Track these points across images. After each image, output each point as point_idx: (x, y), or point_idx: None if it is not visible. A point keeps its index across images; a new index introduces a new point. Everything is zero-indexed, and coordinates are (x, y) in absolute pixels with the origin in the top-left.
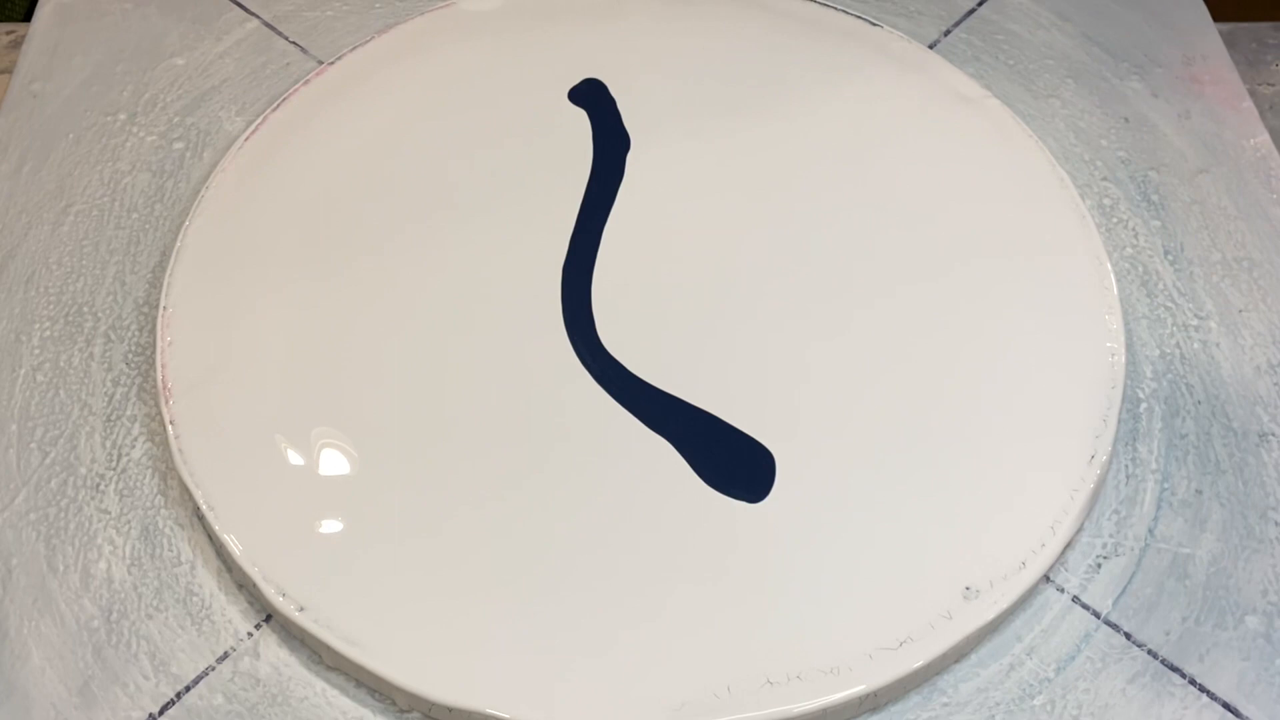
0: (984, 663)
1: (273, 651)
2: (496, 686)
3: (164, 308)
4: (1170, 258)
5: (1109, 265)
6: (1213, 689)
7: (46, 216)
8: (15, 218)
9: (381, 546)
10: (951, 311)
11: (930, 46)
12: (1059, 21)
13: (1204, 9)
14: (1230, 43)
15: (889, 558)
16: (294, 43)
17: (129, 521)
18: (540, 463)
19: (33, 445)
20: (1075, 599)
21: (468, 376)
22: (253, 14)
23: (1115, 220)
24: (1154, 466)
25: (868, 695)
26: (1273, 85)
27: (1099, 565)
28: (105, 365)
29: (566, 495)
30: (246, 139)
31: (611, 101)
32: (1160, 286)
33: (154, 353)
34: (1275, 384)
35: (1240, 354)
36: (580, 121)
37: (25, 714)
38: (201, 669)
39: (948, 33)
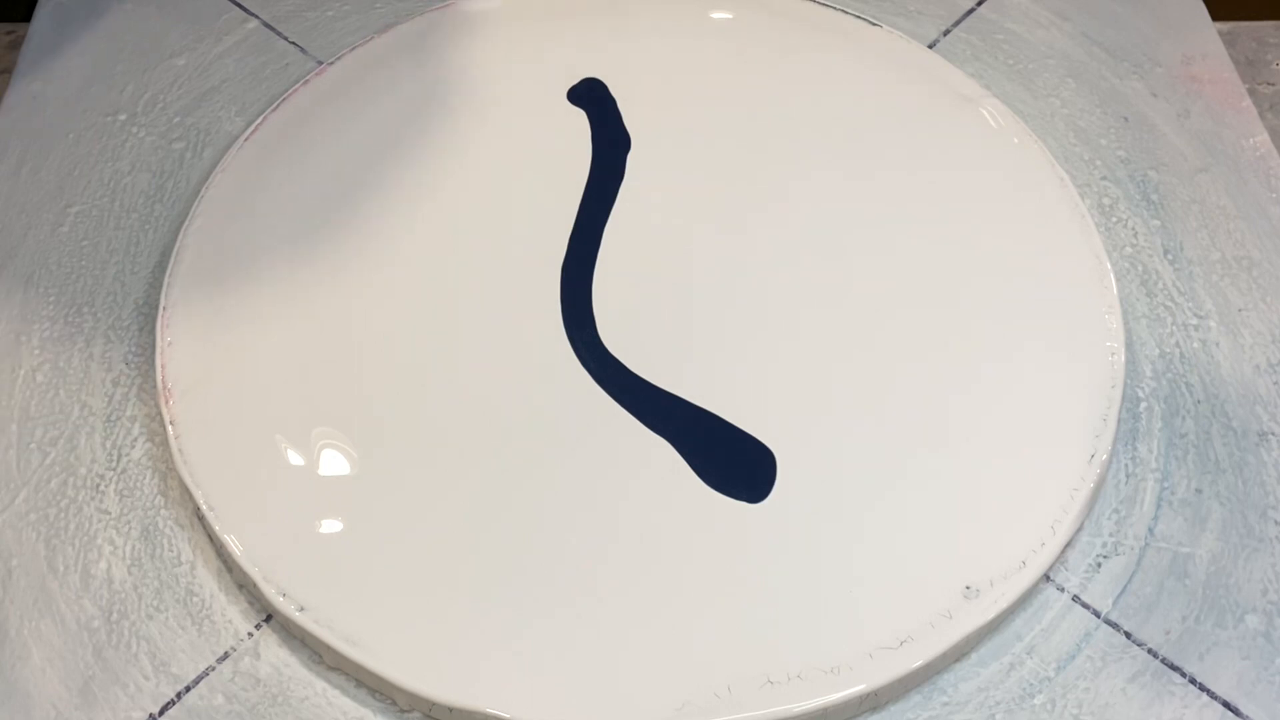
0: (984, 662)
1: (273, 651)
2: (496, 686)
3: (164, 308)
4: (1170, 257)
5: (1109, 265)
6: (1213, 688)
7: (46, 217)
8: (15, 218)
9: (382, 546)
10: (951, 311)
11: (930, 46)
12: (1059, 21)
13: (1204, 9)
14: (1230, 42)
15: (889, 558)
16: (294, 43)
17: (129, 522)
18: (540, 463)
19: (33, 445)
20: (1075, 598)
21: (467, 376)
22: (253, 14)
23: (1115, 220)
24: (1154, 466)
25: (868, 695)
26: (1273, 85)
27: (1099, 564)
28: (105, 365)
29: (566, 496)
30: (246, 139)
31: (612, 101)
32: (1160, 286)
33: (154, 353)
34: (1275, 383)
35: (1240, 353)
36: (580, 121)
37: (25, 714)
38: (202, 669)
39: (947, 32)
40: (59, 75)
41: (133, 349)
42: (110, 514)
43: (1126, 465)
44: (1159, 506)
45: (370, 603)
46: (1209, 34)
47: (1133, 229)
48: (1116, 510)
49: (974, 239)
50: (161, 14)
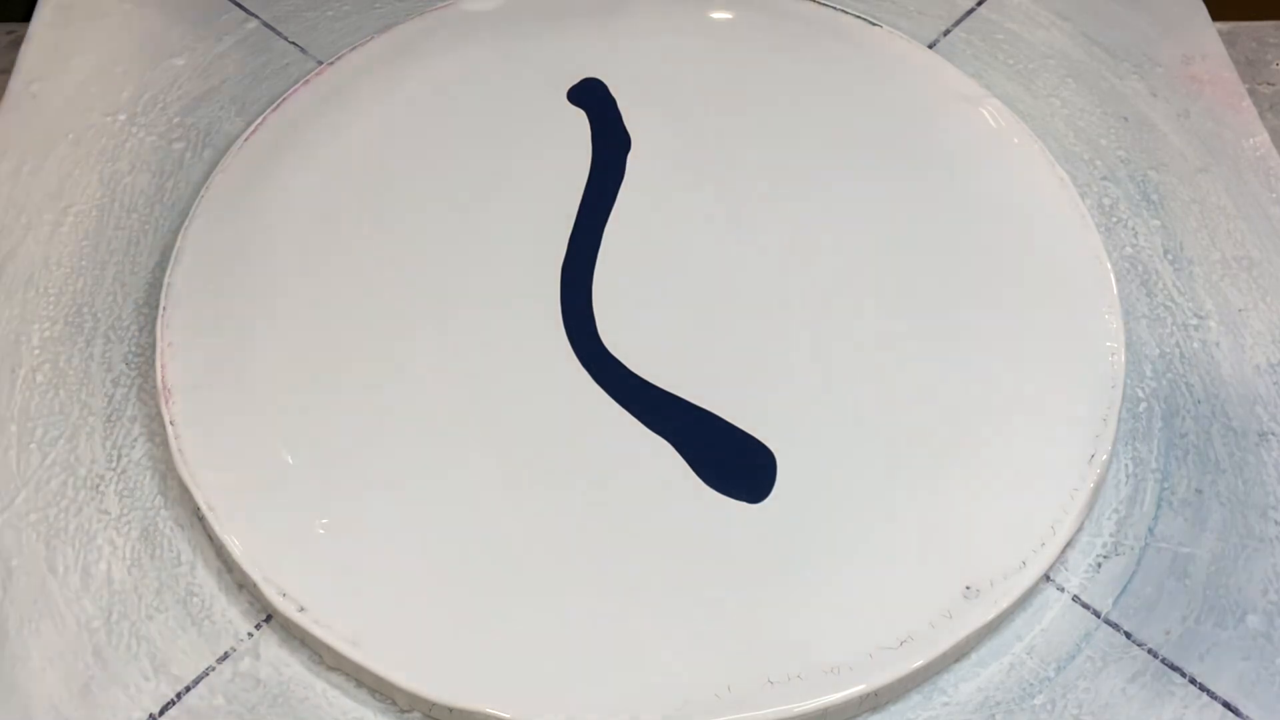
0: (984, 662)
1: (273, 652)
2: (496, 686)
3: (164, 308)
4: (1170, 257)
5: (1109, 265)
6: (1213, 688)
7: (46, 217)
8: (15, 218)
9: (382, 546)
10: (952, 311)
11: (930, 46)
12: (1059, 21)
13: (1204, 9)
14: (1230, 42)
15: (889, 558)
16: (294, 43)
17: (129, 522)
18: (540, 463)
19: (33, 446)
20: (1075, 598)
21: (467, 376)
22: (253, 14)
23: (1115, 220)
24: (1154, 466)
25: (868, 695)
26: (1273, 85)
27: (1099, 565)
28: (105, 366)
29: (566, 496)
30: (246, 139)
31: (612, 101)
32: (1160, 286)
33: (154, 353)
34: (1275, 383)
35: (1240, 353)
36: (580, 121)
37: (25, 715)
38: (202, 669)
39: (948, 33)
40: (59, 75)
41: (133, 349)
42: (110, 514)
43: (1126, 465)
44: (1159, 507)
45: (370, 603)
46: (1209, 34)
47: (1133, 229)
48: (1116, 510)
49: (974, 239)
50: (161, 14)
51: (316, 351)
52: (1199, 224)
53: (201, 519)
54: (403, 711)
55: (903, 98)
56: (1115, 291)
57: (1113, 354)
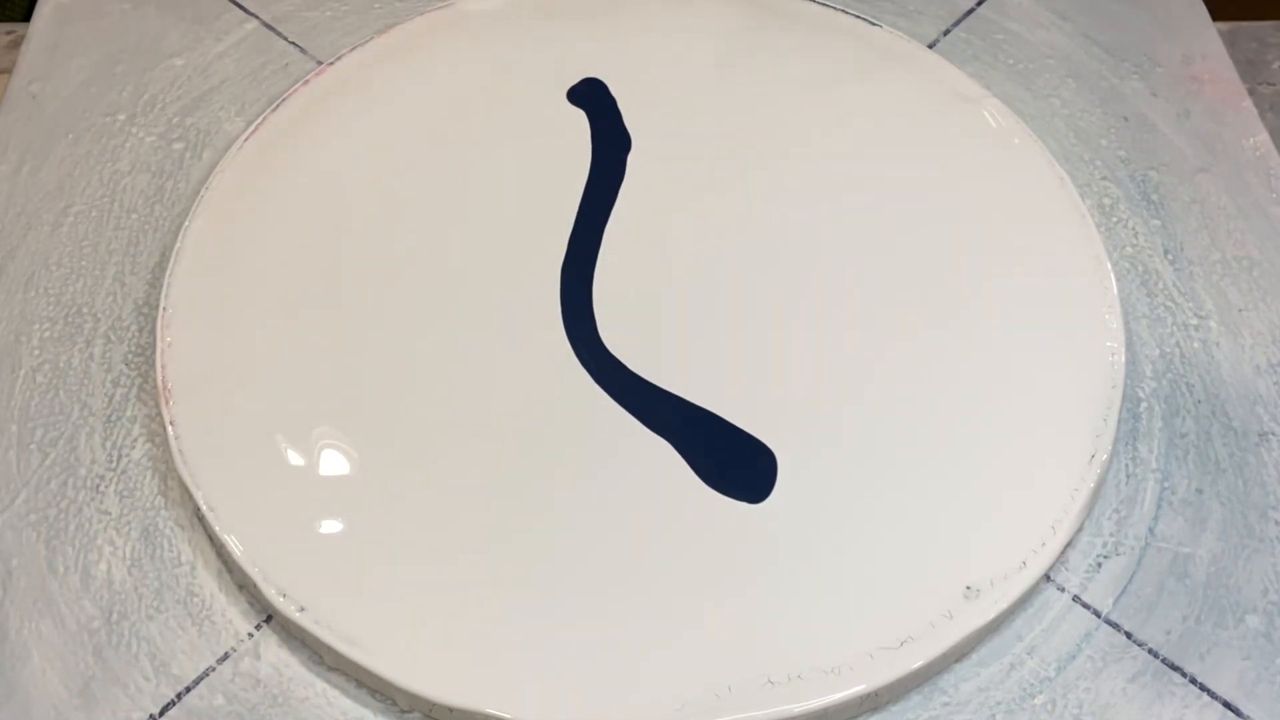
0: (984, 662)
1: (273, 652)
2: (496, 686)
3: (164, 309)
4: (1170, 257)
5: (1109, 265)
6: (1213, 688)
7: (46, 217)
8: (15, 218)
9: (381, 546)
10: (952, 311)
11: (930, 46)
12: (1059, 21)
13: (1204, 9)
14: (1230, 43)
15: (889, 558)
16: (293, 43)
17: (129, 522)
18: (540, 463)
19: (33, 446)
20: (1076, 598)
21: (467, 376)
22: (252, 14)
23: (1115, 220)
24: (1154, 466)
25: (868, 695)
26: (1273, 85)
27: (1099, 564)
28: (105, 366)
29: (566, 495)
30: (246, 139)
31: (612, 101)
32: (1160, 286)
33: (154, 353)
34: (1275, 383)
35: (1240, 353)
36: (580, 121)
37: (25, 715)
38: (202, 670)
39: (947, 32)
40: (59, 75)
41: (133, 349)
42: (110, 514)
43: (1127, 465)
44: (1159, 506)
45: (370, 603)
46: (1209, 34)
47: (1133, 229)
48: (1117, 510)
49: (974, 239)
50: (161, 14)
51: (316, 351)
52: (1199, 224)
53: (201, 519)
54: (403, 711)
55: (903, 98)
56: (1115, 291)
57: (1113, 354)
